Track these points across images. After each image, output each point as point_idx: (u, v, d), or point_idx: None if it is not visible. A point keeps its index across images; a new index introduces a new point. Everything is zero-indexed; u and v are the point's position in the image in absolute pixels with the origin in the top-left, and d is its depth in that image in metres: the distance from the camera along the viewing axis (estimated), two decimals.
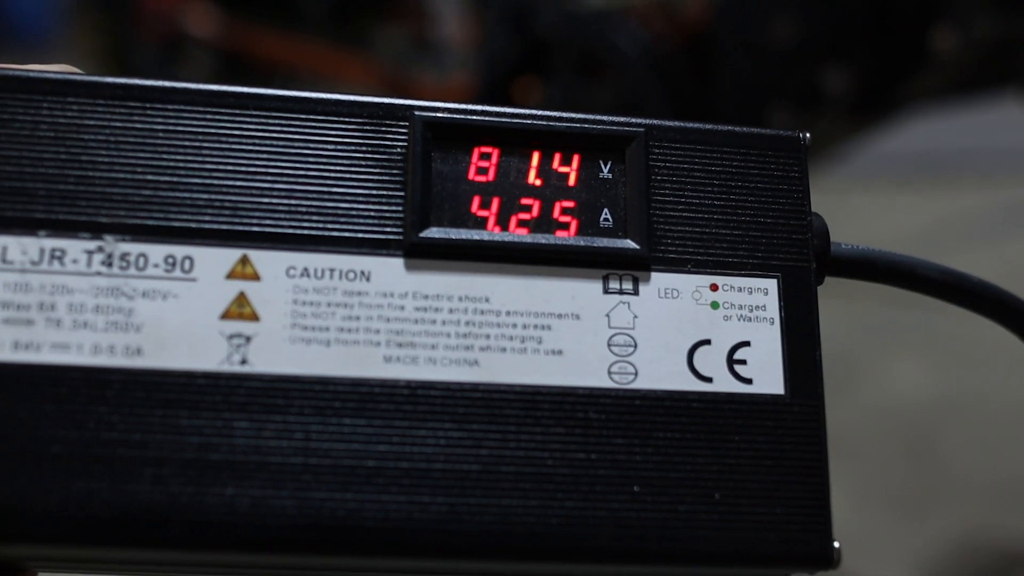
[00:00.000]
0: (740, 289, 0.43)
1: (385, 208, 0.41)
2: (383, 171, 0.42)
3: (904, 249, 0.48)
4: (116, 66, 2.46)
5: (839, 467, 0.43)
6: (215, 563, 0.39)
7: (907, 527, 1.57)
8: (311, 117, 0.42)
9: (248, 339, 0.39)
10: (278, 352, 0.39)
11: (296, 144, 0.41)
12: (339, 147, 0.42)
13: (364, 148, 0.42)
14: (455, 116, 0.43)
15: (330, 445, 0.39)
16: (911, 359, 1.99)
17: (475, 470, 0.39)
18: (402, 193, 0.42)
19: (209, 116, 0.41)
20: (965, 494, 1.64)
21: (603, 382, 0.41)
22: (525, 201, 0.43)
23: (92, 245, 0.39)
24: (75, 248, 0.39)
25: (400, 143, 0.42)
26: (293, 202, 0.41)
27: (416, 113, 0.43)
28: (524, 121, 0.43)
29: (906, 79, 1.33)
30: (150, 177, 0.40)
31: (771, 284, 0.43)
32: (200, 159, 0.41)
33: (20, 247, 0.39)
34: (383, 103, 0.43)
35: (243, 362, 0.39)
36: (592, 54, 1.46)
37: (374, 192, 0.42)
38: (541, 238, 0.42)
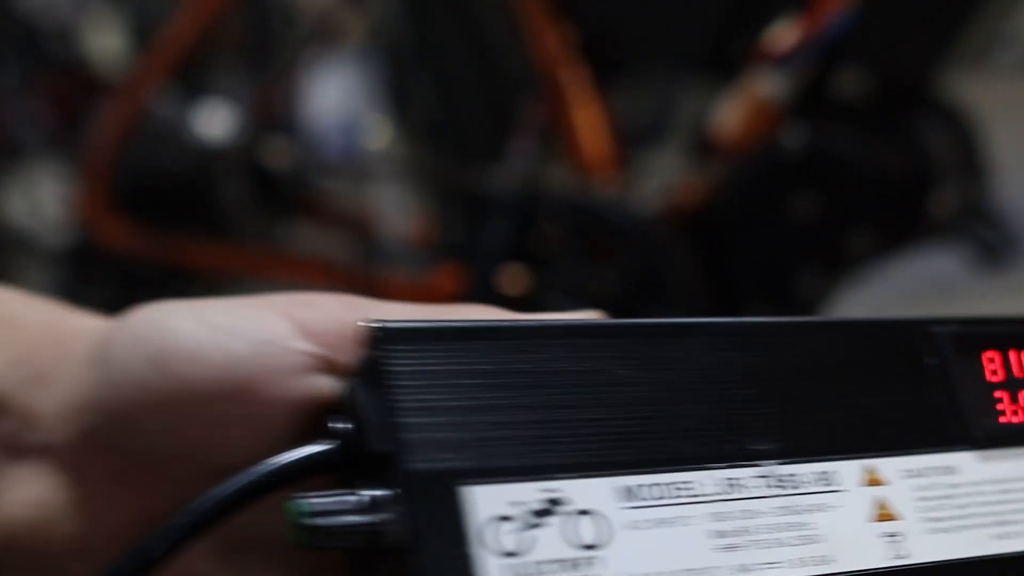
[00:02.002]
0: None
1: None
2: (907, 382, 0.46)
3: None
4: None
5: None
6: None
7: None
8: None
9: (896, 535, 0.45)
10: (924, 543, 0.45)
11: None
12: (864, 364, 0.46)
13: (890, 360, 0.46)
14: None
15: None
16: None
17: None
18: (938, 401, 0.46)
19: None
20: None
21: None
22: None
23: (762, 471, 0.44)
24: (747, 474, 0.44)
25: (922, 355, 0.47)
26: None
27: (932, 328, 0.47)
28: None
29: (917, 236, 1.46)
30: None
31: None
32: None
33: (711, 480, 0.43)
34: (899, 321, 0.47)
35: (898, 556, 0.44)
36: (596, 238, 1.53)
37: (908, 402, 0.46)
38: None
